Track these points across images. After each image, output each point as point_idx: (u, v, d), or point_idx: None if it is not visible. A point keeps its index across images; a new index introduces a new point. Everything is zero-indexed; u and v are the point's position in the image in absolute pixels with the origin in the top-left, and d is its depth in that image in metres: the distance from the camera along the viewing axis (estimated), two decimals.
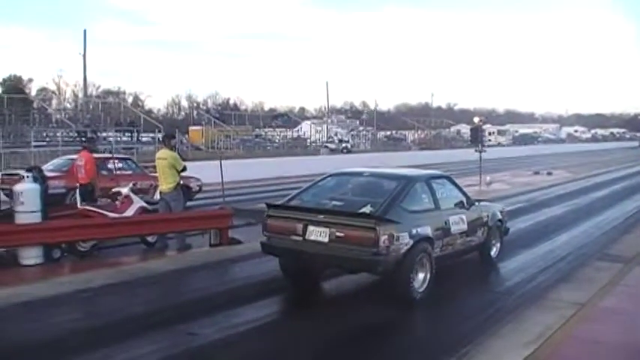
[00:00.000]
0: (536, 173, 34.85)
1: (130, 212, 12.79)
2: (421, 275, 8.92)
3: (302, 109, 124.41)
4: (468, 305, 9.11)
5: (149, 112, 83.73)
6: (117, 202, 13.09)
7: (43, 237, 11.08)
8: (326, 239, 8.68)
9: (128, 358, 6.67)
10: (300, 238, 8.94)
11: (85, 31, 57.20)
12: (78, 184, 14.55)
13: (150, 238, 12.83)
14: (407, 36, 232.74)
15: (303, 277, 9.90)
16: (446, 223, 9.67)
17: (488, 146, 37.48)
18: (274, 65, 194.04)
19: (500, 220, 11.68)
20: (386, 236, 8.35)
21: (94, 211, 12.51)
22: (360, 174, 10.64)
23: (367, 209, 8.81)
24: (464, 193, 10.87)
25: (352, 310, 8.75)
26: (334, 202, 9.42)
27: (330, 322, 8.24)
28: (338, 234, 8.57)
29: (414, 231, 8.77)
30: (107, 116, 54.73)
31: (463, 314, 8.63)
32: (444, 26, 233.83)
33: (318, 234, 8.76)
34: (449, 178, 11.04)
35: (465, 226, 10.15)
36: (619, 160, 52.66)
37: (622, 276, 10.60)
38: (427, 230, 9.07)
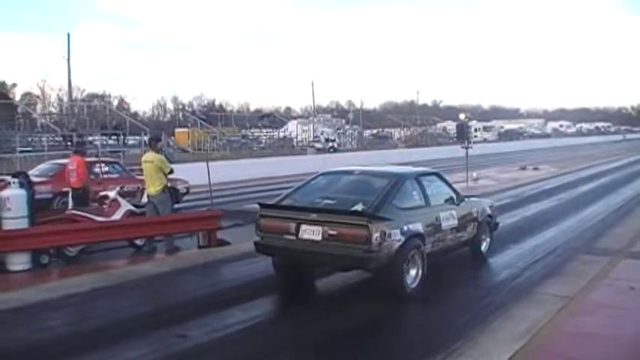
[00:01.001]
0: (523, 168, 35.01)
1: (117, 216, 12.77)
2: (413, 271, 9.04)
3: (288, 109, 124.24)
4: (457, 301, 9.15)
5: (135, 114, 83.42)
6: (104, 206, 13.06)
7: (30, 242, 11.04)
8: (319, 237, 8.78)
9: None
10: (294, 237, 9.04)
11: (68, 34, 57.06)
12: (70, 189, 14.50)
13: (138, 241, 12.82)
14: (392, 34, 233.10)
15: (296, 276, 10.02)
16: (437, 219, 9.82)
17: (475, 142, 37.58)
18: (259, 66, 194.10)
19: (489, 216, 11.84)
20: (378, 233, 8.46)
21: (82, 216, 12.48)
22: (350, 172, 10.73)
23: (359, 207, 8.94)
24: (453, 190, 11.03)
25: (342, 309, 8.77)
26: (326, 201, 9.53)
27: (321, 321, 8.26)
28: (331, 232, 8.68)
29: (405, 228, 8.91)
30: (93, 120, 54.53)
31: (453, 310, 8.68)
32: (428, 23, 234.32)
33: (311, 232, 8.86)
34: (438, 175, 11.15)
35: (455, 222, 10.29)
36: (604, 153, 52.95)
37: (609, 269, 10.67)
38: (418, 227, 9.22)
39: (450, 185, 11.12)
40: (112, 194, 13.19)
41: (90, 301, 9.16)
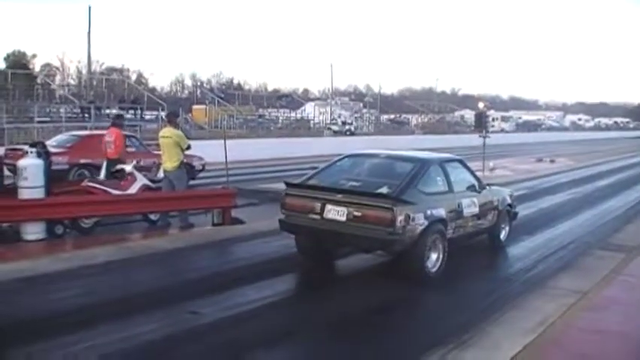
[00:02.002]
0: (539, 160, 34.80)
1: (133, 190, 12.81)
2: (434, 255, 9.18)
3: (306, 91, 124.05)
4: (470, 292, 9.14)
5: (153, 90, 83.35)
6: (120, 180, 13.09)
7: (45, 212, 11.10)
8: (343, 218, 8.89)
9: (128, 335, 6.67)
10: (318, 217, 9.17)
11: (89, 7, 56.75)
12: (106, 160, 14.54)
13: (152, 216, 12.88)
14: (412, 19, 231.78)
15: (317, 256, 10.14)
16: (459, 205, 9.91)
17: (492, 132, 37.37)
18: (279, 46, 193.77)
19: (509, 205, 11.90)
20: (402, 216, 8.58)
21: (97, 188, 12.52)
22: (376, 155, 10.81)
23: (384, 190, 9.02)
24: (476, 177, 11.09)
25: (356, 292, 8.82)
26: (352, 183, 9.62)
27: (334, 302, 8.30)
28: (355, 213, 8.78)
29: (428, 212, 9.02)
30: (111, 93, 54.57)
31: (465, 299, 8.67)
32: (449, 11, 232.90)
33: (335, 213, 8.97)
34: (462, 162, 11.18)
35: (476, 209, 10.38)
36: (622, 149, 52.50)
37: (624, 266, 10.59)
38: (441, 212, 9.32)
39: (472, 173, 11.18)
40: (128, 168, 13.22)
41: (103, 273, 9.20)
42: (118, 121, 15.88)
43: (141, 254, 10.35)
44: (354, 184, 9.60)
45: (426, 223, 8.94)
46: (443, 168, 10.21)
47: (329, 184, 9.71)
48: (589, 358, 6.57)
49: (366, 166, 10.48)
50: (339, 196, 9.09)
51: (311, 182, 10.00)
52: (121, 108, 44.65)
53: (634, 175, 28.35)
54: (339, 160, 10.78)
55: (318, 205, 9.19)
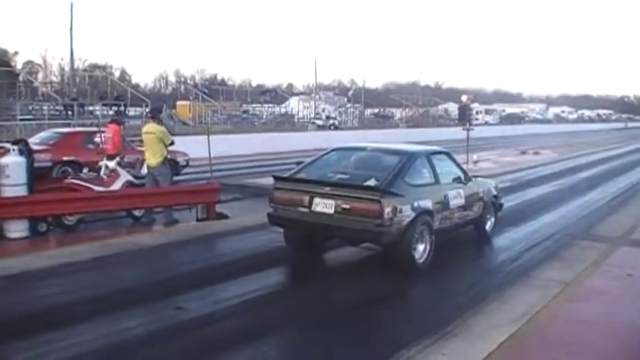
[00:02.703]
0: (523, 153, 34.99)
1: (116, 186, 12.80)
2: (421, 247, 9.31)
3: (290, 86, 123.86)
4: (455, 282, 9.20)
5: (136, 86, 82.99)
6: (103, 176, 13.05)
7: (29, 210, 11.06)
8: (331, 211, 9.00)
9: (114, 331, 6.66)
10: (307, 210, 9.27)
11: (71, 3, 56.75)
12: (105, 156, 14.50)
13: (136, 212, 12.85)
14: (395, 13, 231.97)
15: (306, 249, 10.22)
16: (445, 197, 10.04)
17: (476, 125, 37.46)
18: (263, 41, 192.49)
19: (495, 196, 12.06)
20: (390, 208, 8.71)
21: (81, 185, 12.48)
22: (363, 149, 10.91)
23: (372, 182, 9.12)
24: (462, 169, 11.25)
25: (340, 285, 8.83)
26: (339, 176, 9.74)
27: (320, 296, 8.30)
28: (344, 206, 8.89)
29: (415, 204, 9.15)
30: (94, 90, 54.35)
31: (450, 290, 8.70)
32: (433, 4, 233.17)
33: (324, 206, 9.08)
34: (448, 154, 11.29)
35: (462, 201, 10.51)
36: (605, 141, 52.85)
37: (607, 256, 10.66)
38: (428, 203, 9.45)
39: (458, 165, 11.31)
40: (111, 164, 13.18)
41: (87, 270, 9.17)
42: (117, 118, 16.00)
43: (125, 251, 10.30)
44: (342, 176, 9.70)
45: (413, 214, 9.05)
46: (429, 160, 10.33)
47: (317, 177, 9.81)
48: (572, 348, 6.60)
49: (353, 159, 10.56)
50: (326, 189, 9.18)
51: (299, 176, 10.08)
52: (103, 105, 44.50)
53: (616, 167, 28.52)
54: (327, 153, 10.86)
55: (306, 199, 9.27)
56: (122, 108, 45.83)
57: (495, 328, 7.01)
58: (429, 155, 10.52)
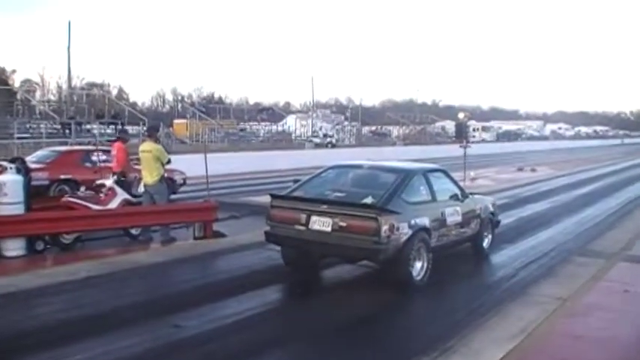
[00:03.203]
0: (520, 169, 34.96)
1: (113, 204, 12.77)
2: (419, 264, 9.28)
3: (287, 104, 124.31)
4: (453, 299, 9.22)
5: (133, 104, 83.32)
6: (101, 195, 13.04)
7: (26, 228, 11.03)
8: (329, 229, 9.00)
9: (111, 350, 6.63)
10: (304, 228, 9.26)
11: (69, 22, 57.06)
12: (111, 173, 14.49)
13: (134, 231, 12.82)
14: (393, 31, 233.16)
15: (303, 267, 10.22)
16: (442, 214, 10.05)
17: (473, 142, 37.49)
18: (260, 59, 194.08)
19: (492, 213, 12.06)
20: (387, 226, 8.70)
21: (78, 203, 12.47)
22: (359, 167, 10.97)
23: (369, 200, 9.15)
24: (458, 186, 11.26)
25: (339, 302, 8.82)
26: (336, 194, 9.77)
27: (317, 314, 8.30)
28: (341, 224, 8.90)
29: (412, 221, 9.15)
30: (91, 108, 54.44)
31: (449, 307, 8.73)
32: (429, 22, 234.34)
33: (321, 224, 9.08)
34: (444, 172, 11.33)
35: (459, 218, 10.51)
36: (602, 157, 52.91)
37: (604, 272, 10.67)
38: (425, 221, 9.45)
39: (455, 182, 11.34)
40: (108, 183, 13.18)
41: (84, 288, 9.14)
42: (122, 136, 15.90)
43: (122, 269, 10.28)
44: (339, 194, 9.72)
45: (411, 232, 9.05)
46: (426, 178, 10.35)
47: (314, 195, 9.84)
48: None
49: (350, 177, 10.60)
50: (324, 207, 9.19)
51: (296, 194, 10.11)
52: (100, 123, 44.55)
53: (613, 183, 28.53)
54: (324, 171, 10.90)
55: (303, 216, 9.28)
56: (120, 126, 45.93)
57: (494, 344, 7.00)
58: (425, 173, 10.55)
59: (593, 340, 7.34)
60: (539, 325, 7.72)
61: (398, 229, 8.84)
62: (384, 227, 8.66)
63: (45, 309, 8.07)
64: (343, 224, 8.88)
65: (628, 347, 7.23)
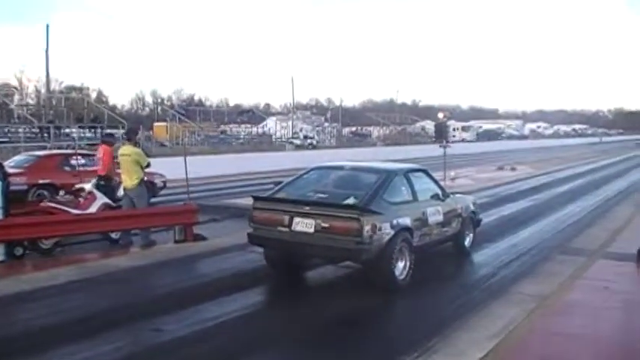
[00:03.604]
0: (500, 169, 35.14)
1: (93, 209, 12.68)
2: (401, 264, 9.31)
3: (267, 105, 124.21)
4: (434, 299, 9.22)
5: (113, 108, 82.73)
6: (80, 199, 12.96)
7: (4, 234, 10.91)
8: (311, 230, 9.02)
9: (91, 355, 6.60)
10: (287, 229, 9.27)
11: (47, 25, 56.41)
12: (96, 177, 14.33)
13: (114, 235, 12.74)
14: (372, 32, 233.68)
15: (286, 268, 10.27)
16: (424, 214, 10.11)
17: (453, 142, 37.69)
18: (240, 61, 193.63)
19: (473, 212, 12.20)
20: (369, 226, 8.71)
21: (57, 208, 12.37)
22: (341, 168, 10.98)
23: (351, 201, 9.19)
24: (439, 186, 11.37)
25: (319, 304, 8.83)
26: (318, 195, 9.77)
27: (299, 315, 8.28)
28: (323, 225, 8.92)
29: (394, 221, 9.17)
30: (70, 112, 54.08)
31: (430, 307, 8.76)
32: (409, 23, 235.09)
33: (303, 225, 9.10)
34: (425, 172, 11.39)
35: (440, 217, 10.60)
36: (581, 155, 53.30)
37: (584, 269, 10.75)
38: (407, 221, 9.49)
39: (436, 182, 11.43)
40: (88, 187, 13.10)
41: (64, 294, 9.06)
42: (108, 139, 15.72)
43: (102, 273, 10.22)
44: (321, 196, 9.73)
45: (393, 232, 9.08)
46: (407, 178, 10.41)
47: (296, 196, 9.84)
48: None
49: (332, 178, 10.59)
50: (306, 209, 9.21)
51: (278, 195, 10.13)
52: (79, 127, 44.30)
53: (592, 181, 28.78)
54: (305, 173, 10.91)
55: (286, 218, 9.29)
56: (100, 130, 45.68)
57: (476, 343, 7.02)
58: (406, 173, 10.60)
59: (574, 337, 7.39)
60: (520, 323, 7.77)
61: (380, 229, 8.85)
62: (367, 227, 8.68)
63: (24, 315, 8.01)
64: (326, 225, 8.89)
65: (608, 344, 7.27)
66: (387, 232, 8.99)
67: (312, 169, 11.02)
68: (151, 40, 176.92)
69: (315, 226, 8.98)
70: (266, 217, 9.65)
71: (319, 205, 9.27)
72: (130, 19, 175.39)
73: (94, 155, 19.37)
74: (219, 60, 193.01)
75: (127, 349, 6.87)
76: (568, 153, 57.17)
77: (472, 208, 12.21)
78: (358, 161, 12.30)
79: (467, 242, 11.91)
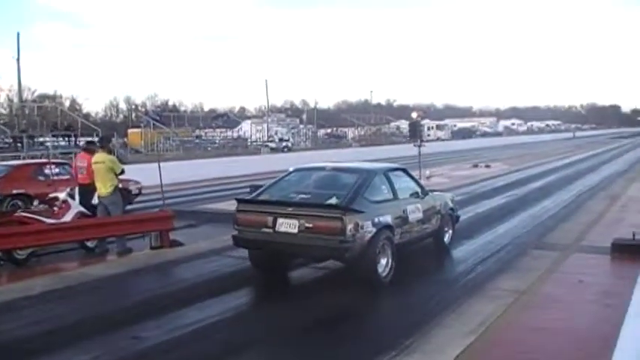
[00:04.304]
0: (475, 166, 35.39)
1: (68, 217, 12.58)
2: (384, 260, 9.51)
3: (242, 109, 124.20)
4: (412, 296, 9.29)
5: (87, 115, 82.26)
6: (54, 208, 12.86)
7: None
8: (295, 230, 9.21)
9: None
10: (271, 230, 9.44)
11: (18, 34, 55.93)
12: (78, 185, 14.14)
13: (89, 243, 12.64)
14: (345, 33, 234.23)
15: (271, 268, 10.40)
16: (404, 211, 10.35)
17: (428, 141, 37.85)
18: (213, 65, 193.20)
19: (451, 209, 12.48)
20: (352, 225, 8.93)
21: (31, 218, 12.26)
22: (322, 169, 11.20)
23: (333, 200, 9.40)
24: (418, 184, 11.66)
25: (299, 305, 8.86)
26: (301, 196, 9.97)
27: (277, 318, 8.31)
28: (307, 225, 9.11)
29: (376, 220, 9.38)
30: (44, 121, 53.62)
31: (408, 305, 8.82)
32: (380, 23, 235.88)
33: (287, 225, 9.29)
34: (405, 170, 11.68)
35: (420, 215, 10.84)
36: (554, 151, 53.79)
37: (559, 263, 10.87)
38: (388, 219, 9.72)
39: (415, 180, 11.75)
40: (62, 196, 12.99)
41: (40, 304, 8.97)
42: (89, 147, 15.56)
43: (79, 282, 10.15)
44: (304, 196, 9.92)
45: (375, 230, 9.29)
46: (387, 177, 10.63)
47: (279, 198, 10.03)
48: (529, 355, 6.69)
49: (314, 179, 10.78)
50: (289, 209, 9.40)
51: (262, 197, 10.29)
52: (53, 135, 43.93)
53: (565, 176, 29.04)
54: (287, 174, 11.07)
55: (270, 219, 9.45)
56: (74, 138, 45.33)
57: (453, 339, 7.07)
58: (386, 172, 10.83)
59: (551, 330, 7.45)
60: (497, 318, 7.83)
61: (362, 227, 9.06)
62: (349, 226, 8.87)
63: (0, 327, 7.93)
64: (309, 225, 9.08)
65: (585, 336, 7.34)
66: (369, 230, 9.18)
67: (293, 171, 11.17)
68: (124, 47, 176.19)
69: (298, 227, 9.16)
70: (250, 219, 9.79)
71: (302, 205, 9.48)
72: (102, 26, 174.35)
73: (69, 164, 19.25)
74: (193, 65, 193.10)
75: (105, 357, 6.83)
76: (542, 149, 57.73)
77: (450, 205, 12.46)
78: (338, 162, 12.44)
79: (446, 238, 12.15)
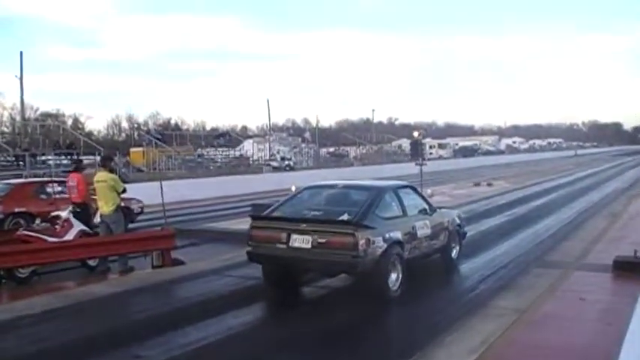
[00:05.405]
0: (477, 184, 35.35)
1: (70, 236, 12.61)
2: (394, 275, 9.79)
3: (244, 128, 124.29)
4: (412, 315, 9.29)
5: (89, 134, 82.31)
6: (56, 226, 12.88)
7: None
8: (309, 245, 9.48)
9: None
10: (285, 246, 9.72)
11: (21, 53, 56.66)
12: (71, 204, 14.17)
13: (91, 262, 12.66)
14: (346, 53, 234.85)
15: (283, 283, 10.61)
16: (413, 228, 10.60)
17: (429, 159, 37.91)
18: (216, 84, 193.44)
19: (458, 225, 12.71)
20: (364, 240, 9.21)
21: (33, 236, 12.29)
22: (333, 186, 11.53)
23: (345, 217, 9.62)
24: (426, 201, 11.89)
25: (302, 322, 8.90)
26: (313, 212, 10.24)
27: (280, 335, 8.31)
28: (320, 240, 9.40)
29: (387, 235, 9.68)
30: (46, 139, 53.67)
31: (408, 324, 8.87)
32: (382, 43, 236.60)
33: (301, 241, 9.56)
34: (413, 188, 11.99)
35: (429, 231, 11.08)
36: (556, 169, 53.78)
37: (561, 281, 10.83)
38: (398, 235, 10.02)
39: (423, 197, 12.05)
40: (64, 214, 13.02)
41: (42, 323, 8.99)
42: (79, 166, 15.61)
43: (80, 301, 10.15)
44: (316, 213, 10.18)
45: (385, 245, 9.56)
46: (397, 194, 10.91)
47: (293, 214, 10.26)
48: None
49: (325, 197, 11.09)
50: (303, 226, 9.65)
51: (275, 214, 10.53)
52: (56, 154, 43.97)
53: (568, 194, 29.05)
54: (299, 192, 11.43)
55: (284, 235, 9.72)
56: (76, 157, 45.32)
57: (454, 358, 7.06)
58: (396, 189, 11.11)
59: (552, 349, 7.42)
60: (499, 337, 7.79)
61: (374, 242, 9.33)
62: (361, 242, 9.14)
63: (2, 345, 7.93)
64: (322, 240, 9.34)
65: (586, 355, 7.32)
66: (380, 245, 9.45)
67: (305, 189, 11.54)
68: (127, 65, 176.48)
69: (312, 242, 9.42)
70: (264, 235, 10.08)
71: (315, 221, 9.74)
72: (104, 45, 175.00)
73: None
74: (196, 84, 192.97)
75: None
76: (544, 167, 57.69)
77: (457, 221, 12.71)
78: (348, 180, 12.67)
79: (454, 254, 12.38)
